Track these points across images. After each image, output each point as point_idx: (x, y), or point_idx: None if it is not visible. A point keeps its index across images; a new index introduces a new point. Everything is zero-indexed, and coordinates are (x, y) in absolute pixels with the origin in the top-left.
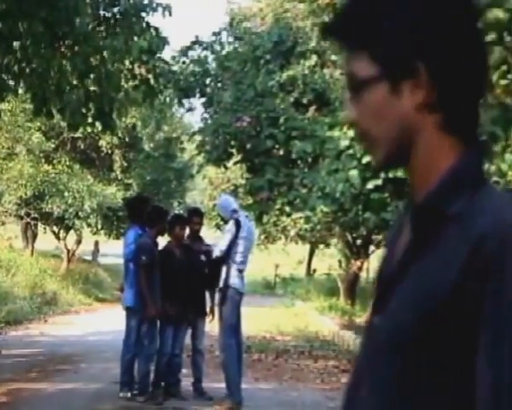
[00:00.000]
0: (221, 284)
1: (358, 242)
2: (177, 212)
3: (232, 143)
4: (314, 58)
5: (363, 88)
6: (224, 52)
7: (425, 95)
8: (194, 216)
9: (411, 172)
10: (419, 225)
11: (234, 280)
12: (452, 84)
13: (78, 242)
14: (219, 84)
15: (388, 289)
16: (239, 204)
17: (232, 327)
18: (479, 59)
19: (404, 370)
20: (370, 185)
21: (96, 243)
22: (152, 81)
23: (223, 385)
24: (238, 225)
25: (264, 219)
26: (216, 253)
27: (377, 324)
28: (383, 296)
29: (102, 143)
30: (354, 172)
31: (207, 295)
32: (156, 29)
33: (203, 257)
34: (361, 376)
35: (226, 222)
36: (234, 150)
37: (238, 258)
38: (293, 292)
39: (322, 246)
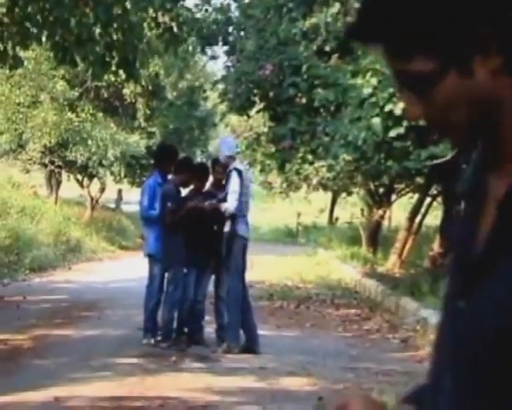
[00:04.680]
0: (226, 230)
1: (381, 190)
2: (199, 160)
3: (255, 91)
4: (337, 6)
5: (430, 85)
6: (246, 0)
7: (498, 59)
8: (217, 166)
9: (499, 142)
10: (507, 215)
11: (239, 227)
12: None
13: (102, 190)
14: (242, 33)
15: (474, 272)
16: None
17: (238, 273)
18: None
19: (481, 368)
20: (393, 133)
21: (120, 191)
22: (175, 29)
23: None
24: (240, 175)
25: (287, 167)
26: (230, 210)
27: (463, 308)
28: (469, 278)
29: (126, 91)
30: (376, 120)
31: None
32: None
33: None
34: (443, 360)
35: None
36: (256, 99)
37: (243, 206)
38: (316, 240)
39: (344, 194)
